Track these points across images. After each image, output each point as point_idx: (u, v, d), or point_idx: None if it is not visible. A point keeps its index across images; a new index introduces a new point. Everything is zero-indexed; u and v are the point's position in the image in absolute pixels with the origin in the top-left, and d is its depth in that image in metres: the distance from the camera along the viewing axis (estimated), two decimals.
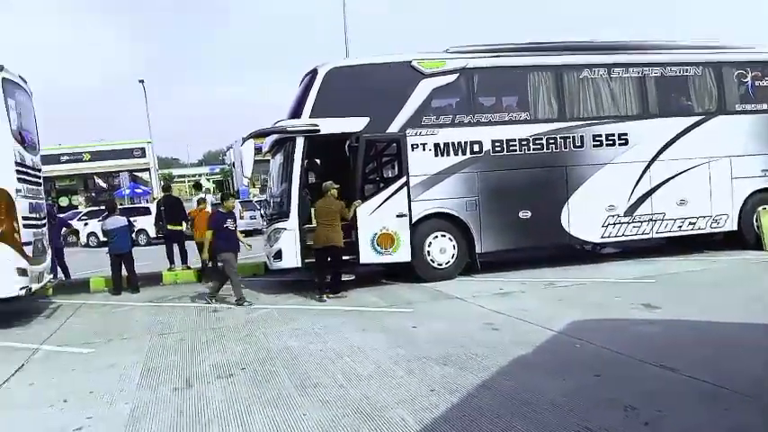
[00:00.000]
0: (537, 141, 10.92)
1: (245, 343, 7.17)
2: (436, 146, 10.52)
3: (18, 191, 8.96)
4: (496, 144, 10.76)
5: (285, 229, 10.19)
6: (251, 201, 29.09)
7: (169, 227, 13.10)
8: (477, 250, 10.72)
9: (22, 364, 6.89)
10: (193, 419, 4.76)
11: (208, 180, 71.08)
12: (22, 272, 8.87)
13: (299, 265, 10.18)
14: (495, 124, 10.80)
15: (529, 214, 10.85)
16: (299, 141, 10.08)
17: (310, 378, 5.60)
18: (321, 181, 10.89)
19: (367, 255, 10.17)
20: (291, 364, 6.13)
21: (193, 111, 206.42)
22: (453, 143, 10.58)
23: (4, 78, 8.98)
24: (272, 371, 5.93)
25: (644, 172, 11.35)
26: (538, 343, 6.29)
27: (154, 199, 34.51)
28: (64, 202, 37.94)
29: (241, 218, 26.14)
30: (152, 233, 23.91)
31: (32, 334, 8.52)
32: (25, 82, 10.10)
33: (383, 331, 7.27)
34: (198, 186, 18.78)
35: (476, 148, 10.67)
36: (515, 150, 10.83)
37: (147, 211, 25.07)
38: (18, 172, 9.05)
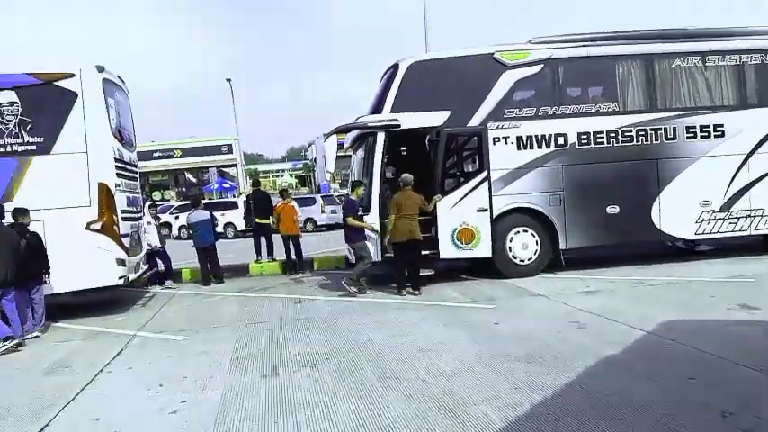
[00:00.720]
0: (626, 133, 10.50)
1: (328, 334, 7.32)
2: (519, 139, 10.32)
3: (117, 185, 9.52)
4: (583, 136, 10.43)
5: None
6: (332, 195, 29.61)
7: (257, 221, 13.63)
8: (562, 246, 10.44)
9: (122, 349, 7.33)
10: (281, 407, 4.90)
11: (291, 175, 72.78)
12: (121, 262, 9.43)
13: (379, 259, 10.26)
14: (581, 116, 10.46)
15: (617, 209, 10.46)
16: (380, 136, 10.15)
17: (393, 371, 5.64)
18: (398, 175, 10.95)
19: (447, 250, 10.11)
20: (374, 356, 6.20)
21: (277, 108, 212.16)
22: (537, 136, 10.34)
23: (104, 79, 9.55)
24: (355, 362, 6.02)
25: (741, 165, 10.68)
26: (627, 343, 6.06)
27: (240, 194, 35.80)
28: (156, 196, 39.94)
29: (322, 212, 26.77)
30: (239, 226, 24.83)
31: (130, 321, 9.04)
32: (123, 82, 10.70)
33: (465, 327, 7.22)
34: (283, 193, 19.44)
35: (561, 140, 10.38)
36: (603, 143, 10.45)
37: (234, 206, 26.02)
38: (117, 168, 9.61)
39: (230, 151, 40.62)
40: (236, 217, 25.12)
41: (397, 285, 9.74)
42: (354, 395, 5.05)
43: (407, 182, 9.61)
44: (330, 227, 24.70)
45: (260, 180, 17.36)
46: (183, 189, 42.55)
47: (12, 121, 8.96)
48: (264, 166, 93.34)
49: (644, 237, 10.83)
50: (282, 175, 77.37)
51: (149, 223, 12.00)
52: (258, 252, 13.75)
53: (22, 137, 9.01)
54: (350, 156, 12.62)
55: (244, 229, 24.43)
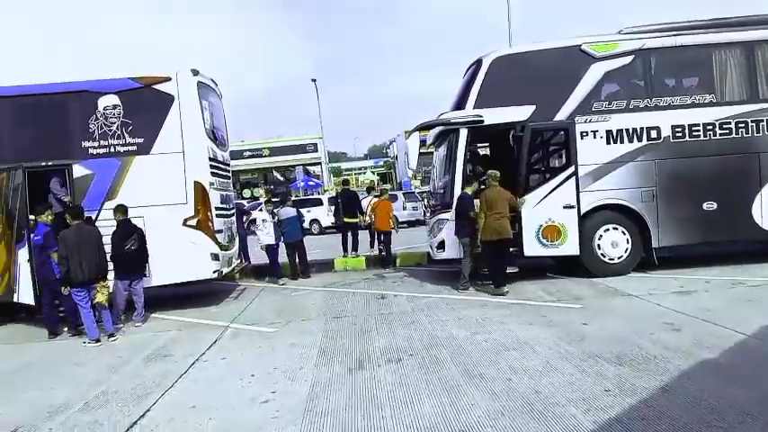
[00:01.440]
0: (724, 126, 9.91)
1: (411, 329, 7.37)
2: (608, 133, 9.97)
3: (211, 184, 9.96)
4: (677, 129, 9.94)
5: (448, 219, 10.26)
6: (413, 192, 29.68)
7: (345, 219, 14.03)
8: (654, 245, 10.00)
9: (216, 340, 7.69)
10: (367, 400, 5.00)
11: (373, 172, 73.52)
12: (215, 257, 9.87)
13: (461, 255, 10.20)
14: (675, 108, 9.97)
15: (714, 206, 9.90)
16: (463, 133, 10.09)
17: (477, 368, 5.62)
18: (475, 172, 10.86)
19: (531, 247, 9.91)
20: (458, 352, 6.20)
21: (360, 106, 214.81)
22: (627, 130, 9.95)
23: (199, 82, 10.02)
24: (439, 358, 6.04)
25: None
26: (725, 346, 5.75)
27: (325, 191, 36.54)
28: (246, 194, 41.40)
29: (404, 209, 26.87)
30: (324, 223, 25.40)
31: (224, 313, 9.46)
32: (216, 85, 11.18)
33: (550, 326, 7.07)
34: (371, 190, 20.24)
35: (653, 134, 9.94)
36: (699, 136, 9.92)
37: (318, 203, 26.63)
38: (211, 167, 10.06)
39: (315, 150, 41.46)
40: (321, 213, 25.71)
41: (492, 284, 9.46)
42: (439, 391, 5.07)
43: (496, 177, 9.44)
44: (411, 223, 24.77)
45: (348, 180, 17.80)
46: (271, 187, 43.85)
47: (115, 123, 9.57)
48: (347, 163, 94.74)
49: (744, 235, 10.20)
50: (364, 172, 78.24)
51: (264, 220, 12.27)
52: (345, 248, 14.11)
53: (124, 138, 9.61)
54: (432, 152, 12.62)
55: (329, 225, 25.05)
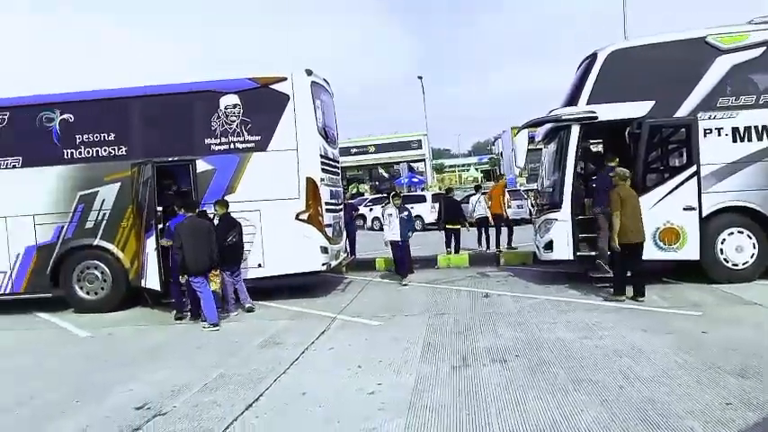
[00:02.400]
0: None
1: (517, 330, 7.27)
2: (735, 130, 9.30)
3: (322, 180, 10.30)
4: None
5: (557, 219, 10.00)
6: (518, 190, 29.07)
7: (448, 226, 14.58)
8: None
9: (324, 330, 7.96)
10: (472, 398, 5.00)
11: (476, 169, 72.82)
12: (324, 250, 10.21)
13: (571, 257, 9.91)
14: None
15: None
16: (575, 130, 9.79)
17: (586, 373, 5.47)
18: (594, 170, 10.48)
19: (648, 250, 9.41)
20: (565, 356, 6.05)
21: (464, 103, 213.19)
22: (757, 127, 9.24)
23: (312, 82, 10.38)
24: (545, 361, 5.93)
25: None
26: None
27: (428, 188, 36.66)
28: (352, 190, 42.34)
29: (508, 206, 26.38)
30: (427, 219, 25.46)
31: (331, 304, 9.76)
32: (328, 84, 11.54)
33: (667, 333, 6.73)
34: (478, 188, 20.64)
35: None
36: None
37: (422, 199, 26.73)
38: (322, 164, 10.41)
39: (419, 146, 41.71)
40: (425, 210, 25.77)
41: (614, 288, 8.84)
42: (545, 394, 4.98)
43: (624, 176, 8.74)
44: (516, 222, 24.27)
45: (451, 188, 18.60)
46: (376, 183, 44.60)
47: (235, 121, 10.11)
48: (450, 160, 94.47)
49: None
50: (468, 170, 77.69)
51: (390, 215, 11.73)
52: (448, 246, 14.50)
53: (243, 135, 10.13)
54: (540, 149, 12.34)
55: (431, 222, 25.13)
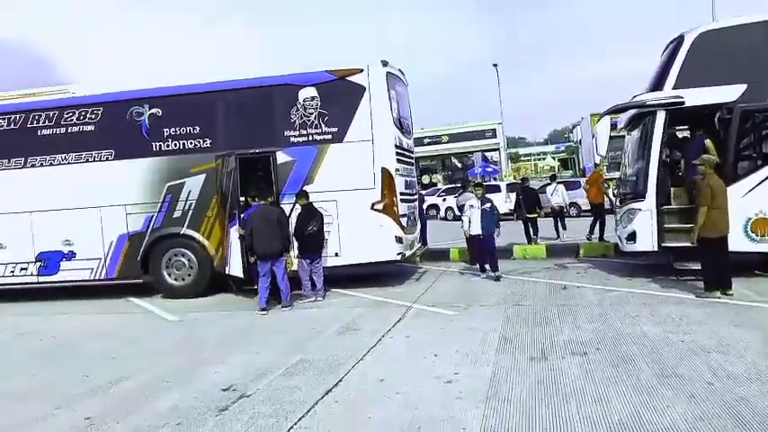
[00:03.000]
0: None
1: (597, 323, 7.09)
2: None
3: (397, 170, 10.37)
4: None
5: (640, 209, 9.65)
6: None
7: (528, 215, 14.69)
8: None
9: (400, 319, 8.04)
10: (551, 391, 4.93)
11: (553, 158, 71.13)
12: (399, 240, 10.29)
13: (655, 248, 9.54)
14: None
15: None
16: (660, 116, 9.40)
17: (672, 368, 5.28)
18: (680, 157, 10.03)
19: (737, 242, 8.89)
20: (649, 351, 5.85)
21: (540, 90, 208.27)
22: None
23: (388, 73, 10.44)
24: (628, 355, 5.76)
25: None
26: None
27: (503, 177, 36.12)
28: (425, 180, 42.29)
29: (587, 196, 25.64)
30: (501, 210, 25.09)
31: (406, 293, 9.83)
32: (403, 74, 11.58)
33: (760, 329, 6.39)
34: (554, 177, 20.53)
35: None
36: None
37: (496, 189, 26.38)
38: (397, 154, 10.48)
39: (494, 135, 41.10)
40: (499, 200, 25.41)
41: (705, 284, 8.35)
42: (629, 389, 4.85)
43: (712, 164, 8.23)
44: None
45: (527, 177, 18.66)
46: (449, 173, 44.38)
47: (312, 113, 10.31)
48: (526, 149, 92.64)
49: None
50: (544, 158, 76.01)
51: (471, 206, 11.01)
52: (528, 237, 14.59)
53: (321, 127, 10.32)
54: (622, 137, 11.91)
55: (506, 212, 24.77)
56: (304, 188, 9.96)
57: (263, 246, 9.07)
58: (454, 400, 4.85)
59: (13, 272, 11.31)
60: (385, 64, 10.37)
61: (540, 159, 77.36)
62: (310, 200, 9.77)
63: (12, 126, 11.17)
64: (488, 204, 10.93)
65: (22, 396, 5.77)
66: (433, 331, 7.26)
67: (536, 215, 14.64)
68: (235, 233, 9.89)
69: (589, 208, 15.60)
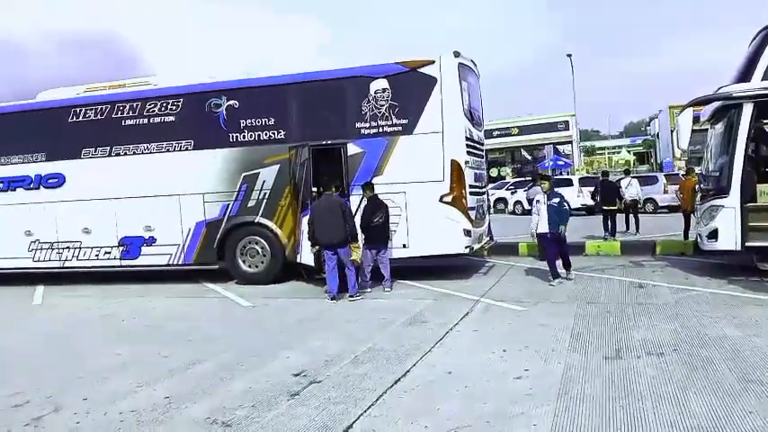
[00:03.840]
0: None
1: (674, 323, 6.84)
2: None
3: (466, 162, 10.30)
4: None
5: (723, 206, 9.23)
6: (676, 174, 27.06)
7: (605, 207, 15.06)
8: None
9: (468, 312, 8.01)
10: (626, 391, 4.81)
11: (628, 152, 68.70)
12: (467, 233, 10.23)
13: (738, 247, 9.11)
14: None
15: None
16: (747, 108, 8.95)
17: (755, 373, 5.04)
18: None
19: None
20: (731, 354, 5.61)
21: (614, 81, 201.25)
22: None
23: (459, 64, 10.36)
24: (707, 357, 5.54)
25: None
26: None
27: (575, 171, 35.21)
28: (493, 173, 41.73)
29: (665, 192, 24.68)
30: (573, 204, 24.55)
31: (474, 287, 9.78)
32: (475, 65, 11.47)
33: None
34: (627, 172, 20.02)
35: None
36: None
37: (568, 183, 25.77)
38: (467, 146, 10.41)
39: (566, 128, 40.04)
40: (571, 195, 24.83)
41: None
42: (708, 392, 4.67)
43: None
44: (673, 209, 22.65)
45: (608, 171, 18.68)
46: (518, 166, 43.58)
47: (384, 105, 10.37)
48: (600, 142, 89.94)
49: None
50: (619, 152, 73.50)
51: (538, 201, 10.02)
52: (606, 229, 14.80)
53: (391, 119, 10.36)
54: (704, 131, 11.39)
55: (578, 207, 24.25)
56: (371, 180, 10.04)
57: (324, 235, 9.26)
58: (524, 397, 4.80)
59: (97, 255, 11.97)
60: (457, 55, 10.30)
61: (614, 153, 74.85)
62: (376, 192, 9.87)
63: (99, 116, 11.78)
64: (556, 199, 9.85)
65: (107, 374, 6.11)
66: (501, 326, 7.20)
67: (615, 208, 14.89)
68: (306, 222, 10.11)
69: (680, 209, 15.06)
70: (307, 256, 10.26)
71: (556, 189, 10.46)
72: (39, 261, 12.32)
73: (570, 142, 40.89)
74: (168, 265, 11.67)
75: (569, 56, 39.47)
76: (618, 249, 12.97)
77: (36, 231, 12.22)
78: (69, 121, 11.88)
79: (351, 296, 9.34)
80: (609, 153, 76.39)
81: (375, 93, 10.39)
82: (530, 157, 43.51)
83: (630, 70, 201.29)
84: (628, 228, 15.65)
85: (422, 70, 10.20)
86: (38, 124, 12.20)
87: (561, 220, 9.76)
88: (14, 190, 12.31)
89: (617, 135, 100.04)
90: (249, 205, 11.10)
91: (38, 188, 12.15)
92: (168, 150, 11.43)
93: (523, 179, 29.96)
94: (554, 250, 9.84)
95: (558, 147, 41.78)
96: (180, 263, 11.61)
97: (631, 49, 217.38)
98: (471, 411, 4.55)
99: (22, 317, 9.79)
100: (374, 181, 10.24)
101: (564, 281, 9.81)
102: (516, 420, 4.35)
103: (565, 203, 10.00)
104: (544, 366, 5.57)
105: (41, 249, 12.25)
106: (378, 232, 9.74)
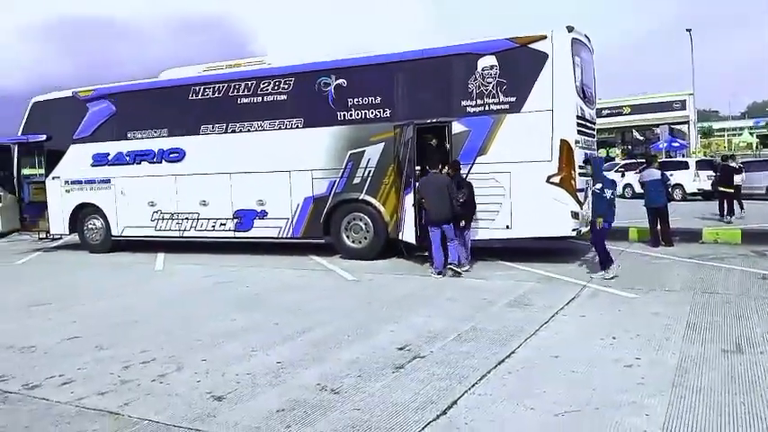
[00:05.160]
0: None
1: None
2: None
3: (577, 142, 9.96)
4: None
5: None
6: None
7: (720, 188, 15.31)
8: None
9: (574, 297, 7.81)
10: (747, 386, 4.55)
11: (751, 134, 63.61)
12: (575, 215, 9.92)
13: None
14: None
15: None
16: None
17: None
18: None
19: None
20: None
21: (736, 57, 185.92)
22: None
23: (573, 39, 9.98)
24: None
25: None
26: None
27: (693, 153, 33.10)
28: (601, 154, 40.01)
29: None
30: (689, 189, 23.22)
31: (580, 271, 9.52)
32: (589, 40, 11.00)
33: None
34: (733, 157, 18.61)
35: None
36: None
37: (684, 166, 24.33)
38: (578, 125, 10.05)
39: (683, 107, 37.61)
40: (686, 179, 23.47)
41: None
42: None
43: None
44: None
45: (727, 156, 17.98)
46: (629, 147, 41.56)
47: (491, 83, 10.20)
48: (719, 123, 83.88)
49: None
50: (740, 134, 68.18)
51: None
52: (721, 213, 15.04)
53: (498, 97, 10.18)
54: None
55: (694, 191, 22.93)
56: (476, 159, 10.00)
57: (434, 212, 9.40)
58: (635, 386, 4.64)
59: (213, 226, 12.71)
60: (570, 29, 9.92)
61: (735, 135, 69.53)
62: (461, 171, 9.93)
63: (216, 95, 12.41)
64: (599, 185, 8.91)
65: (223, 338, 6.51)
66: (610, 313, 6.97)
67: (731, 189, 15.10)
68: (409, 200, 10.19)
69: None
70: (409, 234, 10.36)
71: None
72: (160, 230, 13.25)
73: (687, 123, 38.41)
74: (277, 237, 12.19)
75: (689, 30, 36.93)
76: (738, 237, 12.12)
77: (158, 202, 13.14)
78: (190, 98, 12.60)
79: (451, 266, 9.44)
80: (729, 135, 71.06)
81: (482, 70, 10.23)
82: (642, 138, 41.34)
83: (755, 45, 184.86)
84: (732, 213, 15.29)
85: (533, 46, 9.92)
86: (161, 102, 13.04)
87: (597, 210, 8.91)
88: (140, 163, 13.27)
89: (738, 116, 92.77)
90: (354, 182, 11.33)
91: (160, 162, 13.03)
92: (280, 128, 11.87)
93: (634, 161, 28.51)
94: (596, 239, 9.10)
95: (673, 127, 39.39)
96: (288, 236, 12.09)
97: (758, 21, 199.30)
98: (579, 397, 4.47)
99: (145, 281, 10.60)
100: (478, 160, 10.18)
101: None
102: (627, 409, 4.23)
103: (607, 191, 8.88)
104: (657, 355, 5.35)
105: (163, 219, 13.16)
106: (461, 210, 9.68)
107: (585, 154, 10.50)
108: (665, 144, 36.02)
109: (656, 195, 11.91)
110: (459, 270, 9.41)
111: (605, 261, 8.92)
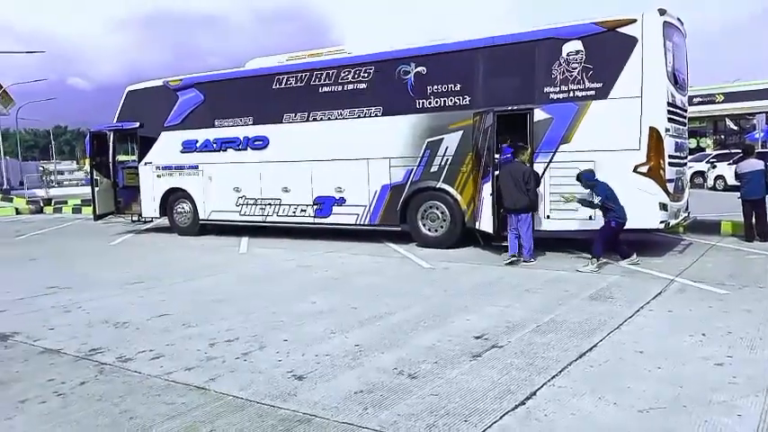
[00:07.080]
0: None
1: None
2: None
3: (667, 130, 9.51)
4: None
5: None
6: None
7: None
8: None
9: (660, 291, 7.50)
10: None
11: None
12: (663, 206, 9.51)
13: None
14: None
15: None
16: None
17: None
18: None
19: None
20: None
21: None
22: None
23: (665, 22, 9.50)
24: None
25: None
26: None
27: None
28: (692, 144, 38.06)
29: None
30: None
31: (668, 265, 9.11)
32: (682, 23, 10.45)
33: None
34: None
35: None
36: None
37: None
38: (668, 112, 9.59)
39: None
40: None
41: None
42: None
43: None
44: None
45: None
46: (721, 137, 39.30)
47: (576, 68, 9.87)
48: None
49: None
50: None
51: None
52: None
53: (583, 83, 9.84)
54: None
55: None
56: (559, 147, 9.87)
57: (508, 200, 9.52)
58: (727, 385, 4.42)
59: (294, 212, 13.03)
60: (662, 13, 9.44)
61: None
62: (525, 159, 9.81)
63: (299, 84, 12.66)
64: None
65: (304, 319, 6.68)
66: (699, 309, 6.65)
67: None
68: (487, 189, 10.07)
69: None
70: (486, 223, 10.25)
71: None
72: (245, 215, 13.72)
73: None
74: (354, 224, 12.37)
75: None
76: None
77: (243, 188, 13.60)
78: (273, 87, 12.92)
79: (524, 262, 9.53)
80: None
81: (567, 55, 9.92)
82: (736, 128, 38.98)
83: None
84: None
85: (622, 30, 9.51)
86: (246, 91, 13.44)
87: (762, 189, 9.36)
88: (226, 150, 13.76)
89: None
90: (432, 170, 11.30)
91: (245, 149, 13.46)
92: (359, 116, 11.98)
93: (727, 151, 26.95)
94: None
95: None
96: (365, 223, 12.23)
97: None
98: (665, 394, 4.30)
99: (230, 264, 11.01)
100: (561, 149, 9.91)
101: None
102: (717, 408, 4.04)
103: (596, 198, 9.16)
104: (750, 354, 5.07)
105: (247, 205, 13.61)
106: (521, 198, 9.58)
107: (678, 142, 10.01)
108: (762, 134, 33.76)
109: (755, 187, 11.21)
110: (520, 260, 9.54)
111: (597, 251, 9.03)
